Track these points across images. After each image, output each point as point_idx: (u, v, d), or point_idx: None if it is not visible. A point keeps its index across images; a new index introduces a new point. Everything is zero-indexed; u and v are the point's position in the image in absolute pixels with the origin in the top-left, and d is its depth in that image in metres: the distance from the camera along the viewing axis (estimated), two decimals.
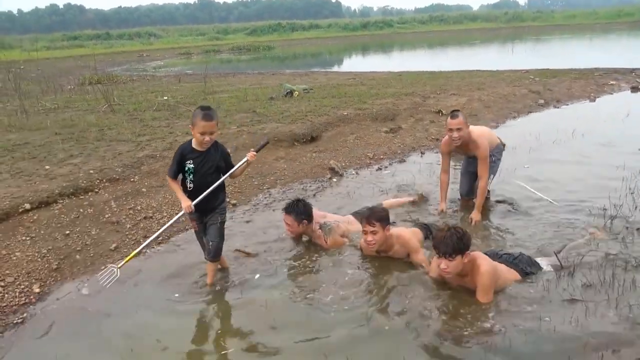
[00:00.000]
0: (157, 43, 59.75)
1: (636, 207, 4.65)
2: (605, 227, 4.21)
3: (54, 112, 9.79)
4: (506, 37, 41.12)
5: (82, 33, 66.05)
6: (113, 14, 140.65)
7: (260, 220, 4.84)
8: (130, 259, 3.47)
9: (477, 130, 4.65)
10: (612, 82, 11.87)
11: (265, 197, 5.41)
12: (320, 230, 4.12)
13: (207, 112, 3.25)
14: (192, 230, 3.78)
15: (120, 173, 5.36)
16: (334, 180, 5.98)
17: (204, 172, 3.36)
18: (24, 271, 3.82)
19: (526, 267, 3.52)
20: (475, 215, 4.55)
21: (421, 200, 5.10)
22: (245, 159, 3.44)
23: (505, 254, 3.62)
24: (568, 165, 6.18)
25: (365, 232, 3.67)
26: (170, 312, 3.37)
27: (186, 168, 3.35)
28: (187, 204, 3.33)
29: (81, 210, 4.67)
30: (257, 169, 5.98)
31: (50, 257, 4.02)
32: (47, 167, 5.51)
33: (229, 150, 3.64)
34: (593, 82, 11.93)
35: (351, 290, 3.45)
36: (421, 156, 6.92)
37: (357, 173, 6.23)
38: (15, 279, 3.73)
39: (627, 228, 4.21)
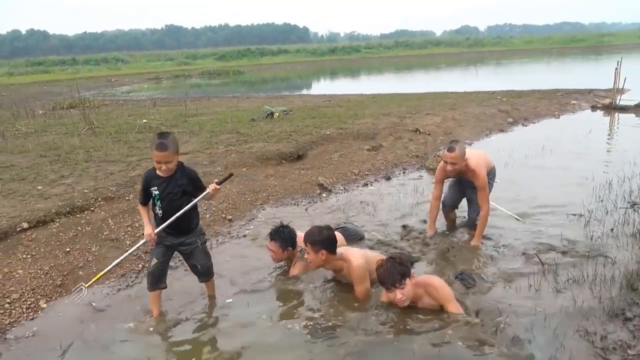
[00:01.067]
0: (125, 68, 59.21)
1: (607, 212, 5.04)
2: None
3: (32, 135, 9.68)
4: (469, 61, 42.85)
5: (46, 59, 64.88)
6: (78, 39, 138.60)
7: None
8: (97, 279, 3.46)
9: (475, 159, 4.46)
10: (573, 102, 12.64)
11: (258, 212, 5.55)
12: (297, 260, 4.05)
13: (161, 142, 3.13)
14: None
15: (115, 192, 5.42)
16: (324, 195, 6.19)
17: (171, 198, 3.26)
18: (28, 288, 3.84)
19: (468, 281, 3.67)
20: (475, 242, 4.46)
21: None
22: (207, 191, 3.32)
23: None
24: (540, 177, 6.59)
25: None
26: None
27: (153, 194, 3.28)
28: (148, 231, 3.28)
29: (79, 228, 4.71)
30: (249, 186, 6.14)
31: (53, 274, 4.05)
32: (39, 187, 5.51)
33: (217, 169, 3.76)
34: (556, 102, 12.68)
35: (329, 310, 3.45)
36: (404, 172, 7.22)
37: (344, 189, 6.46)
38: (21, 295, 3.75)
39: (601, 231, 4.57)
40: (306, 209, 5.71)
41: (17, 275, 3.97)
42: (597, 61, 33.80)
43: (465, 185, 4.72)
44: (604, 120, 11.01)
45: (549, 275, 3.79)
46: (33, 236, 4.47)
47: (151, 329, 3.38)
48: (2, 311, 3.55)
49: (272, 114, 11.10)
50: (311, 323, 3.31)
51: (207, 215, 5.29)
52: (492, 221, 4.81)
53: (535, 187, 6.11)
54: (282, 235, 3.98)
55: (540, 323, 3.16)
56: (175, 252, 3.55)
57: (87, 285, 3.41)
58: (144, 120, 11.33)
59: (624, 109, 11.70)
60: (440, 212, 4.87)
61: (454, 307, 3.22)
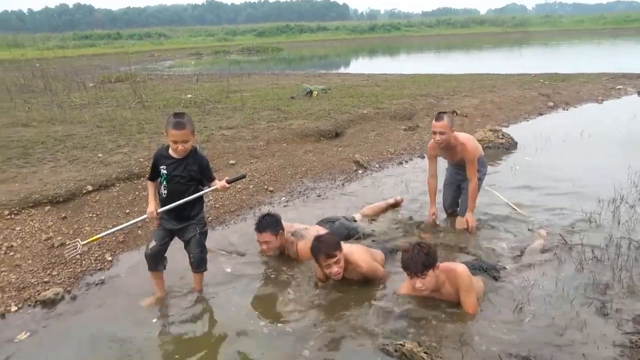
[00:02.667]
0: (167, 43, 60.34)
1: None
2: (549, 231, 4.39)
3: (86, 107, 10.31)
4: (514, 41, 41.53)
5: (93, 32, 66.77)
6: (121, 14, 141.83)
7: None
8: (94, 240, 3.62)
9: (463, 135, 4.56)
10: (619, 87, 12.31)
11: (298, 186, 5.90)
12: (293, 237, 4.05)
13: (179, 120, 3.10)
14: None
15: None
16: (360, 172, 6.48)
17: (177, 181, 3.25)
18: (95, 243, 4.33)
19: (492, 272, 3.64)
20: (469, 217, 4.50)
21: (400, 202, 5.20)
22: (215, 187, 3.33)
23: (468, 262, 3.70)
24: (576, 161, 6.64)
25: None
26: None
27: (161, 173, 3.27)
28: (151, 209, 3.31)
29: (137, 192, 5.19)
30: (289, 161, 6.49)
31: (118, 231, 4.52)
32: (99, 155, 6.04)
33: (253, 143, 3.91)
34: (601, 86, 12.38)
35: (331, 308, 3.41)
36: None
37: (380, 166, 6.72)
38: (89, 248, 4.25)
39: (629, 216, 4.68)
40: (342, 184, 6.03)
41: (85, 232, 4.48)
42: None
43: (459, 179, 4.72)
44: None
45: (573, 253, 3.98)
46: (97, 198, 4.97)
47: (149, 309, 3.46)
48: (74, 261, 4.05)
49: (310, 92, 11.37)
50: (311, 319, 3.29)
51: (251, 186, 5.69)
52: (525, 200, 5.02)
53: (570, 170, 6.19)
54: (270, 223, 3.91)
55: (558, 296, 3.38)
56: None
57: (82, 243, 3.49)
58: (189, 96, 11.82)
59: None
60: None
61: (470, 300, 3.18)
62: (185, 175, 3.24)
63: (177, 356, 3.00)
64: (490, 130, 7.55)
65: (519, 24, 68.86)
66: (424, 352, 2.75)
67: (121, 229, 3.79)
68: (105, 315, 3.40)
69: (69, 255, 3.61)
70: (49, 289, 3.66)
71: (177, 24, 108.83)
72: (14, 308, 3.48)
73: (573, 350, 2.82)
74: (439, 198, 4.95)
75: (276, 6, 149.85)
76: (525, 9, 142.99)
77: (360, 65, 26.10)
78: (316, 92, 11.37)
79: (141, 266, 4.03)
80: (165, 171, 3.25)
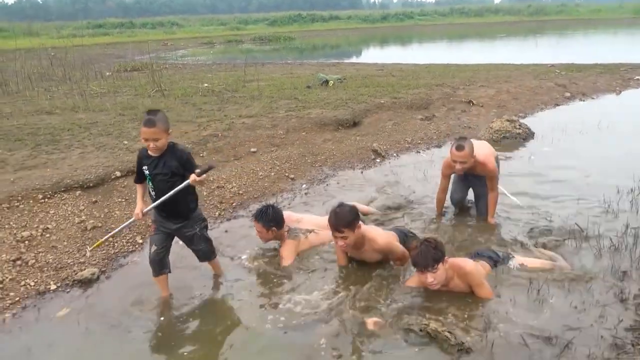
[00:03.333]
0: (180, 32, 60.36)
1: None
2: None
3: (106, 96, 10.50)
4: (529, 30, 40.98)
5: (106, 21, 67.05)
6: (134, 3, 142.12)
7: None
8: (98, 245, 3.72)
9: (482, 151, 4.43)
10: (637, 77, 12.20)
11: (318, 174, 6.02)
12: (287, 234, 4.07)
13: (150, 118, 3.06)
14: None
15: (191, 149, 6.01)
16: (377, 160, 6.58)
17: (160, 179, 3.23)
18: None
19: (493, 256, 3.69)
20: (491, 220, 4.55)
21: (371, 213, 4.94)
22: (186, 182, 3.20)
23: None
24: (593, 152, 6.68)
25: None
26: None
27: (145, 174, 3.27)
28: (137, 210, 3.32)
29: None
30: (308, 149, 6.61)
31: (145, 216, 4.68)
32: (125, 142, 6.20)
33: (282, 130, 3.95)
34: (619, 77, 12.29)
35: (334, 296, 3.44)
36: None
37: (397, 155, 6.82)
38: (121, 231, 4.41)
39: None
40: (361, 172, 6.14)
41: (115, 215, 4.65)
42: None
43: (472, 181, 4.69)
44: None
45: (591, 241, 4.06)
46: (125, 183, 5.14)
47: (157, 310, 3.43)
48: (107, 243, 4.22)
49: (326, 81, 11.43)
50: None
51: (272, 174, 5.83)
52: (543, 189, 5.09)
53: (587, 161, 6.23)
54: (267, 215, 3.93)
55: (577, 281, 3.48)
56: None
57: (90, 249, 3.79)
58: (205, 85, 11.95)
59: None
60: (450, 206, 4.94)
61: (484, 292, 3.28)
62: (166, 172, 3.20)
63: (196, 341, 3.15)
64: (508, 121, 7.59)
65: (534, 12, 67.80)
66: (448, 332, 2.87)
67: (115, 233, 3.77)
68: (138, 295, 3.56)
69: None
70: (85, 269, 3.84)
71: (189, 12, 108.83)
72: (53, 287, 3.66)
73: (593, 332, 2.92)
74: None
75: None
76: None
77: (374, 55, 25.99)
78: (332, 82, 11.43)
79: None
80: (147, 171, 3.24)
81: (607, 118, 8.27)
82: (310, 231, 4.18)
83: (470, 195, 4.90)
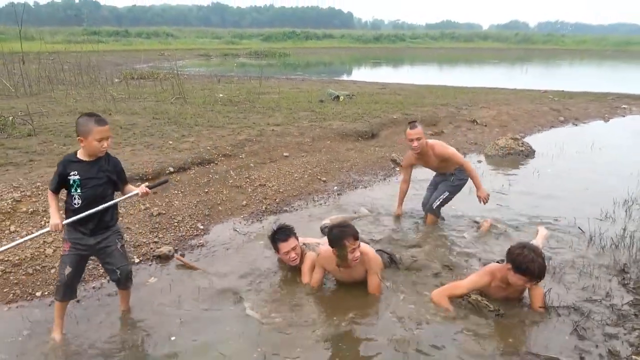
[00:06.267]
0: (175, 43, 61.04)
1: None
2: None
3: (128, 101, 11.01)
4: (517, 58, 42.61)
5: (101, 29, 67.39)
6: (127, 11, 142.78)
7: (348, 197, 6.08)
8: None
9: (431, 140, 5.01)
10: (624, 106, 13.17)
11: (347, 178, 6.64)
12: (304, 246, 4.07)
13: (99, 117, 2.97)
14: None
15: (230, 150, 6.60)
16: (397, 169, 7.23)
17: (94, 184, 2.99)
18: (186, 214, 5.06)
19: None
20: (481, 193, 4.95)
21: (364, 216, 5.39)
22: (135, 192, 3.15)
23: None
24: (589, 168, 7.43)
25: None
26: None
27: (71, 181, 2.96)
28: (56, 221, 2.92)
29: (210, 175, 5.91)
30: (335, 156, 7.24)
31: (201, 206, 5.25)
32: (170, 142, 6.75)
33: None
34: (607, 105, 13.25)
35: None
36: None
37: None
38: (183, 218, 4.97)
39: None
40: (384, 178, 6.78)
41: (175, 205, 5.19)
42: None
43: (439, 181, 5.22)
44: None
45: (595, 241, 4.73)
46: (178, 178, 5.69)
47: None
48: (174, 228, 4.77)
49: (337, 97, 12.14)
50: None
51: (306, 176, 6.43)
52: (548, 199, 5.77)
53: (585, 176, 6.97)
54: (290, 229, 3.94)
55: (586, 272, 4.13)
56: None
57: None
58: (221, 95, 12.55)
59: None
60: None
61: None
62: (101, 177, 3.01)
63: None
64: (512, 139, 8.33)
65: (521, 40, 70.22)
66: (486, 301, 3.48)
67: (18, 244, 3.36)
68: (208, 271, 4.11)
69: None
70: (161, 246, 4.37)
71: (182, 24, 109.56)
72: (136, 260, 4.19)
73: (603, 306, 3.56)
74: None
75: (281, 12, 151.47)
76: (527, 26, 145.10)
77: (372, 74, 26.89)
78: (342, 97, 12.14)
79: (227, 234, 4.78)
80: (77, 176, 2.96)
81: (599, 141, 9.10)
82: (318, 244, 4.17)
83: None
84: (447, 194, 5.11)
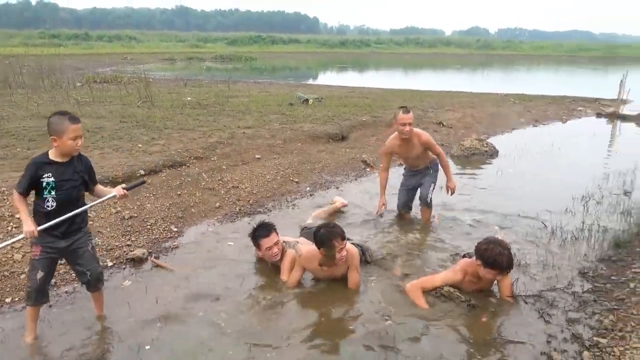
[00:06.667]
0: (139, 47, 59.98)
1: (603, 197, 6.21)
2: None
3: (93, 104, 10.78)
4: (479, 63, 43.92)
5: (60, 32, 65.48)
6: (87, 14, 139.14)
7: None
8: None
9: (416, 129, 5.08)
10: (580, 108, 13.81)
11: (319, 179, 6.72)
12: (284, 244, 4.08)
13: (71, 115, 2.91)
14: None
15: (202, 153, 6.59)
16: (367, 170, 7.37)
17: (69, 186, 2.91)
18: (159, 217, 5.02)
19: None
20: (451, 184, 5.20)
21: (345, 205, 5.57)
22: (113, 194, 3.13)
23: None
24: (551, 167, 7.77)
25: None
26: None
27: (44, 183, 2.85)
28: (31, 227, 2.80)
29: (182, 178, 5.88)
30: (306, 158, 7.31)
31: (174, 209, 5.22)
32: (139, 145, 6.67)
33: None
34: (564, 107, 13.86)
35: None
36: None
37: None
38: (156, 221, 4.93)
39: (598, 209, 5.76)
40: (355, 179, 6.90)
41: (147, 208, 5.15)
42: (605, 72, 34.90)
43: (418, 181, 5.24)
44: (607, 127, 12.18)
45: (557, 234, 4.97)
46: (149, 181, 5.62)
47: None
48: (147, 231, 4.73)
49: (306, 100, 12.24)
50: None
51: (278, 177, 6.47)
52: (512, 197, 6.01)
53: (546, 174, 7.29)
54: (272, 225, 4.00)
55: (549, 263, 4.35)
56: None
57: None
58: (189, 98, 12.45)
59: (626, 118, 12.87)
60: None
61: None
62: (76, 179, 2.95)
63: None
64: (476, 140, 8.62)
65: (482, 46, 72.44)
66: (458, 292, 3.62)
67: None
68: (183, 273, 4.10)
69: None
70: (134, 249, 4.33)
71: (145, 27, 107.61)
72: (110, 263, 4.13)
73: (566, 294, 3.76)
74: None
75: (247, 16, 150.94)
76: (488, 32, 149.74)
77: (339, 79, 27.17)
78: (311, 101, 12.25)
79: (202, 236, 4.78)
80: (51, 178, 2.85)
81: (558, 141, 9.52)
82: (297, 242, 4.18)
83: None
84: (433, 185, 5.22)
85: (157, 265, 4.16)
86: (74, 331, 3.21)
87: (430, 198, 5.23)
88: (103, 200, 3.21)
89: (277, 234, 4.02)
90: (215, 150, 6.81)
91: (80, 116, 8.66)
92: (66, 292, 3.70)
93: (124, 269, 4.12)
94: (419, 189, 5.27)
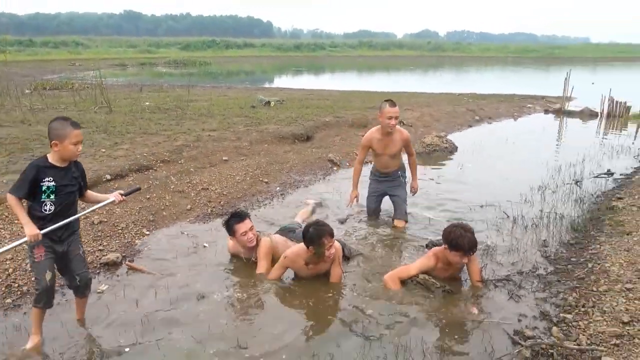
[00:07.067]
0: (86, 53, 58.07)
1: (557, 186, 6.60)
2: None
3: (47, 111, 10.39)
4: (430, 65, 45.24)
5: (2, 38, 62.38)
6: (29, 19, 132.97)
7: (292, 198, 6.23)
8: None
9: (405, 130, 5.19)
10: (529, 105, 14.52)
11: (288, 179, 6.78)
12: (260, 238, 4.13)
13: (73, 121, 2.91)
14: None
15: (169, 156, 6.50)
16: (334, 168, 7.49)
17: (68, 191, 2.94)
18: (129, 221, 4.93)
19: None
20: (415, 184, 5.26)
21: (320, 204, 5.68)
22: (111, 199, 3.16)
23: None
24: (506, 161, 8.16)
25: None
26: None
27: (44, 187, 2.84)
28: (34, 231, 2.79)
29: (150, 181, 5.79)
30: (274, 158, 7.34)
31: (144, 212, 5.14)
32: (102, 150, 6.51)
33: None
34: (515, 105, 14.53)
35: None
36: None
37: (350, 164, 7.77)
38: (127, 225, 4.84)
39: (553, 198, 6.11)
40: (324, 178, 7.00)
41: (117, 212, 5.04)
42: (547, 71, 36.76)
43: (386, 187, 5.25)
44: (554, 122, 12.88)
45: (519, 221, 5.25)
46: (116, 186, 5.51)
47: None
48: (118, 235, 4.64)
49: (268, 102, 12.27)
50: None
51: (248, 178, 6.48)
52: (473, 189, 6.28)
53: (503, 168, 7.65)
54: (246, 212, 4.15)
55: (514, 248, 4.60)
56: None
57: None
58: (147, 103, 12.20)
59: (571, 114, 13.66)
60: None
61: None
62: (74, 184, 2.98)
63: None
64: (437, 137, 8.93)
65: (433, 48, 74.65)
66: (433, 279, 3.78)
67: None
68: (161, 275, 4.06)
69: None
70: (107, 254, 4.25)
71: (92, 33, 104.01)
72: None
73: (531, 276, 4.00)
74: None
75: (199, 20, 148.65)
76: (438, 35, 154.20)
77: (297, 82, 27.29)
78: (273, 103, 12.28)
79: (175, 238, 4.75)
80: (52, 183, 2.86)
81: (511, 136, 10.01)
82: (270, 234, 4.31)
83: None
84: (406, 194, 5.22)
85: (133, 269, 4.10)
86: (53, 335, 3.13)
87: (406, 210, 5.17)
88: (101, 206, 3.22)
89: (251, 221, 4.08)
90: (182, 154, 6.74)
91: (36, 123, 8.52)
92: None
93: (99, 273, 4.03)
94: (393, 201, 5.21)
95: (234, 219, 4.03)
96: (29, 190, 2.83)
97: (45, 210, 2.87)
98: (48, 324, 3.19)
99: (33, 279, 3.02)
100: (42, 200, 2.86)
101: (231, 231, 4.05)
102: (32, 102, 11.85)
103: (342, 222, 5.32)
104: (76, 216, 3.01)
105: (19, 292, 3.65)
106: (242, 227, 3.98)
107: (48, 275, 2.92)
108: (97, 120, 8.80)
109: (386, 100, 4.94)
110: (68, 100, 12.53)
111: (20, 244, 2.91)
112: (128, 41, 74.16)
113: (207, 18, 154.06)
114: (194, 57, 50.78)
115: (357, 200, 5.31)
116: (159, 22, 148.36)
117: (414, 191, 5.36)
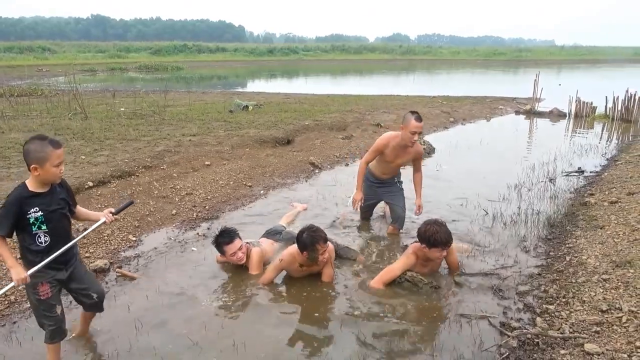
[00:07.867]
0: (53, 58, 56.60)
1: (532, 184, 6.84)
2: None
3: (20, 118, 10.15)
4: (402, 68, 45.87)
5: None
6: None
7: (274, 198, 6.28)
8: None
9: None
10: (501, 107, 14.93)
11: (271, 182, 6.82)
12: (249, 244, 4.19)
13: (52, 139, 2.61)
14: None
15: (150, 162, 6.46)
16: (316, 171, 7.57)
17: (58, 216, 2.67)
18: (115, 227, 4.89)
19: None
20: (420, 202, 5.01)
21: (305, 209, 5.66)
22: (102, 220, 2.96)
23: None
24: (482, 161, 8.40)
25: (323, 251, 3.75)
26: None
27: (32, 219, 2.58)
28: (21, 275, 2.53)
29: (133, 187, 5.75)
30: (256, 162, 7.38)
31: (129, 218, 5.11)
32: (82, 157, 6.43)
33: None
34: (487, 106, 14.91)
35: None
36: None
37: (331, 167, 7.88)
38: (112, 231, 4.81)
39: (529, 195, 6.34)
40: (306, 181, 7.07)
41: None
42: (515, 74, 37.79)
43: (382, 194, 5.20)
44: (525, 122, 13.29)
45: (498, 218, 5.43)
46: (99, 192, 5.47)
47: None
48: (104, 242, 4.60)
49: (246, 107, 12.27)
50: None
51: (231, 182, 6.50)
52: (453, 189, 6.45)
53: (480, 168, 7.86)
54: (234, 230, 4.06)
55: (496, 243, 4.76)
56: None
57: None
58: (122, 109, 12.04)
59: (540, 114, 14.12)
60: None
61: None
62: (63, 205, 2.71)
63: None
64: None
65: (405, 52, 75.65)
66: (421, 276, 3.89)
67: None
68: (151, 280, 4.06)
69: None
70: (94, 261, 4.21)
71: (59, 37, 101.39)
72: None
73: (515, 269, 4.16)
74: None
75: (170, 24, 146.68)
76: (409, 38, 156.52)
77: (272, 86, 27.29)
78: (251, 107, 12.29)
79: (162, 243, 4.74)
80: (39, 213, 2.59)
81: (486, 137, 10.28)
82: (258, 242, 4.34)
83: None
84: (405, 203, 5.14)
85: (123, 275, 4.08)
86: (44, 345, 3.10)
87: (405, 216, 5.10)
88: (94, 229, 3.03)
89: (240, 238, 4.11)
90: (164, 159, 6.70)
91: (9, 130, 8.34)
92: (28, 307, 3.54)
93: None
94: (393, 209, 5.16)
95: (222, 240, 4.03)
96: (13, 226, 2.56)
97: (41, 243, 2.63)
98: (40, 334, 3.16)
99: (36, 316, 2.80)
100: (33, 232, 2.60)
101: (221, 250, 4.09)
102: (2, 110, 11.55)
103: (333, 222, 5.39)
104: (70, 243, 2.75)
105: (6, 302, 3.59)
106: (231, 248, 4.01)
107: (58, 309, 2.78)
108: (74, 127, 8.66)
109: (412, 112, 4.61)
110: (39, 107, 12.24)
111: (9, 290, 2.64)
112: (97, 46, 72.62)
113: (177, 22, 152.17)
114: (166, 62, 50.13)
115: (362, 203, 5.07)
116: (128, 27, 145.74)
117: (420, 212, 5.02)
